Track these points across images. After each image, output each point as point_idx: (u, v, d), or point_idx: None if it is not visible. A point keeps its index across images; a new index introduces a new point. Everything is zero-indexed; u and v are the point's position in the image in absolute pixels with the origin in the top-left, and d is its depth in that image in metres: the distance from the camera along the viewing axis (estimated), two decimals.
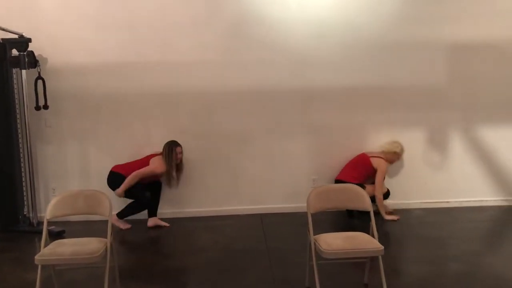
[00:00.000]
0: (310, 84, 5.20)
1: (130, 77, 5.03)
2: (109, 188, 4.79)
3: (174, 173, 4.90)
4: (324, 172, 5.26)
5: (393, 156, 5.11)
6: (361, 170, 5.03)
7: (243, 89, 5.19)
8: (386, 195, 5.14)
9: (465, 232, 4.65)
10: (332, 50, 5.17)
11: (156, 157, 4.90)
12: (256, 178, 5.30)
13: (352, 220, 5.00)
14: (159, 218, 4.97)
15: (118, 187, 4.76)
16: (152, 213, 4.96)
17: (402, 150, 5.13)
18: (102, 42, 5.05)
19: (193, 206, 5.27)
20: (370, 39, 5.18)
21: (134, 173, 4.76)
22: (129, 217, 4.98)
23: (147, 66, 5.06)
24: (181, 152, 4.93)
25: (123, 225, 4.86)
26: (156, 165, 4.85)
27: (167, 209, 5.18)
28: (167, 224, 4.92)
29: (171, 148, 4.86)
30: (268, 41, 5.13)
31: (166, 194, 5.16)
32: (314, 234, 3.24)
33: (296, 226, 4.79)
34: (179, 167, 4.97)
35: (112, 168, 4.88)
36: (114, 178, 4.82)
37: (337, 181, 5.02)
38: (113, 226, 3.44)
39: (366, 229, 3.35)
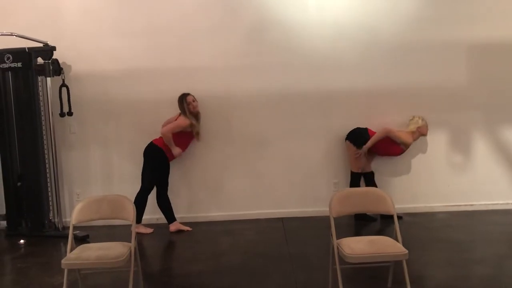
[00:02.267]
0: (330, 87, 5.19)
1: (152, 83, 5.09)
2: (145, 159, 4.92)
3: (195, 123, 4.91)
4: (345, 176, 5.23)
5: (419, 132, 5.04)
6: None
7: (262, 93, 5.20)
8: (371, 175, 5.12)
9: (490, 235, 4.57)
10: (351, 53, 5.16)
11: (179, 116, 4.94)
12: (276, 182, 5.31)
13: (374, 223, 4.96)
14: (180, 223, 5.01)
15: (156, 158, 4.85)
16: (172, 218, 4.99)
17: (424, 121, 5.05)
18: (123, 49, 5.13)
19: (213, 210, 5.30)
20: (389, 41, 5.15)
21: (164, 130, 4.83)
22: (151, 222, 5.04)
23: (167, 72, 5.12)
24: (194, 100, 4.92)
25: (144, 230, 4.91)
26: (180, 120, 4.87)
27: (187, 213, 5.21)
28: (189, 228, 4.96)
29: (182, 99, 4.89)
30: (287, 45, 5.14)
31: (186, 198, 5.19)
32: (336, 238, 3.23)
33: (317, 230, 4.77)
34: (197, 117, 4.96)
35: (153, 140, 4.93)
36: (153, 150, 4.88)
37: None
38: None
39: (388, 233, 3.33)
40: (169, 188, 5.04)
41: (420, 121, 5.05)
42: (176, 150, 4.86)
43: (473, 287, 3.51)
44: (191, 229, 4.96)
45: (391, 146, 4.99)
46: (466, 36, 5.15)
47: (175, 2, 5.12)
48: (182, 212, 5.17)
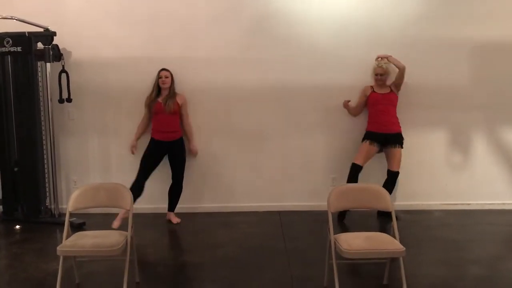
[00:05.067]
0: (331, 82, 5.15)
1: (152, 72, 5.02)
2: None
3: (156, 97, 4.88)
4: (343, 171, 5.18)
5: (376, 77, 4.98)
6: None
7: (263, 86, 5.18)
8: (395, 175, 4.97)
9: (486, 235, 4.58)
10: (353, 49, 5.12)
11: None
12: (274, 176, 5.30)
13: (371, 220, 4.96)
14: (174, 213, 5.00)
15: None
16: (168, 207, 5.00)
17: (376, 67, 4.94)
18: (125, 37, 5.09)
19: (211, 201, 5.29)
20: (392, 38, 5.11)
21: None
22: (149, 211, 5.04)
23: (168, 61, 5.06)
24: (167, 76, 4.88)
25: (174, 218, 4.96)
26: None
27: (184, 204, 5.17)
28: (178, 220, 4.94)
29: (157, 74, 4.90)
30: (290, 38, 5.11)
31: (184, 189, 5.15)
32: (334, 234, 3.23)
33: (314, 224, 4.78)
34: (171, 93, 4.90)
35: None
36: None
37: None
38: (131, 218, 3.46)
39: (385, 230, 3.33)
40: (167, 179, 5.03)
41: (375, 65, 4.97)
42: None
43: (467, 286, 3.52)
44: (179, 221, 4.93)
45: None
46: (469, 35, 5.12)
47: None
48: (181, 202, 5.14)
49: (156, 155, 4.90)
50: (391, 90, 4.99)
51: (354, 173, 4.87)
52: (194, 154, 5.10)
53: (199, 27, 5.10)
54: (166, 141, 4.87)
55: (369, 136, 4.95)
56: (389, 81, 5.01)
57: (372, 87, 5.01)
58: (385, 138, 4.92)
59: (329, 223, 3.25)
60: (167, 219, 4.98)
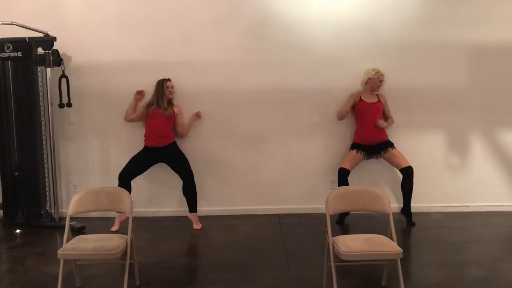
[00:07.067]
0: (329, 85, 5.19)
1: (152, 76, 5.06)
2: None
3: (162, 106, 4.90)
4: None
5: (371, 83, 4.97)
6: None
7: (262, 89, 5.21)
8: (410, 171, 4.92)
9: (484, 237, 4.60)
10: (352, 51, 5.16)
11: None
12: (273, 179, 5.32)
13: (370, 222, 4.97)
14: (197, 217, 4.95)
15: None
16: (189, 208, 4.96)
17: (377, 73, 4.95)
18: (125, 41, 5.13)
19: (210, 205, 5.31)
20: (390, 40, 5.15)
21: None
22: (148, 215, 5.05)
23: (168, 65, 5.11)
24: (173, 87, 4.97)
25: (196, 224, 4.90)
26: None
27: (184, 207, 5.20)
28: (198, 227, 4.90)
29: (161, 83, 4.92)
30: (288, 41, 5.15)
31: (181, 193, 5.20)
32: (332, 236, 3.25)
33: (313, 227, 4.80)
34: (170, 102, 4.97)
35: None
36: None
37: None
38: (131, 222, 3.48)
39: (384, 232, 3.35)
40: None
41: (372, 72, 4.96)
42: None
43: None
44: (200, 227, 4.91)
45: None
46: (466, 38, 5.16)
47: None
48: (181, 206, 5.17)
49: (144, 160, 4.89)
50: (379, 100, 5.01)
51: (343, 177, 4.91)
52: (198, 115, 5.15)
53: (198, 31, 5.14)
54: (157, 147, 4.85)
55: (356, 146, 5.01)
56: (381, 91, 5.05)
57: (360, 94, 5.02)
58: (373, 147, 4.97)
59: (327, 225, 3.27)
60: (190, 219, 4.95)
